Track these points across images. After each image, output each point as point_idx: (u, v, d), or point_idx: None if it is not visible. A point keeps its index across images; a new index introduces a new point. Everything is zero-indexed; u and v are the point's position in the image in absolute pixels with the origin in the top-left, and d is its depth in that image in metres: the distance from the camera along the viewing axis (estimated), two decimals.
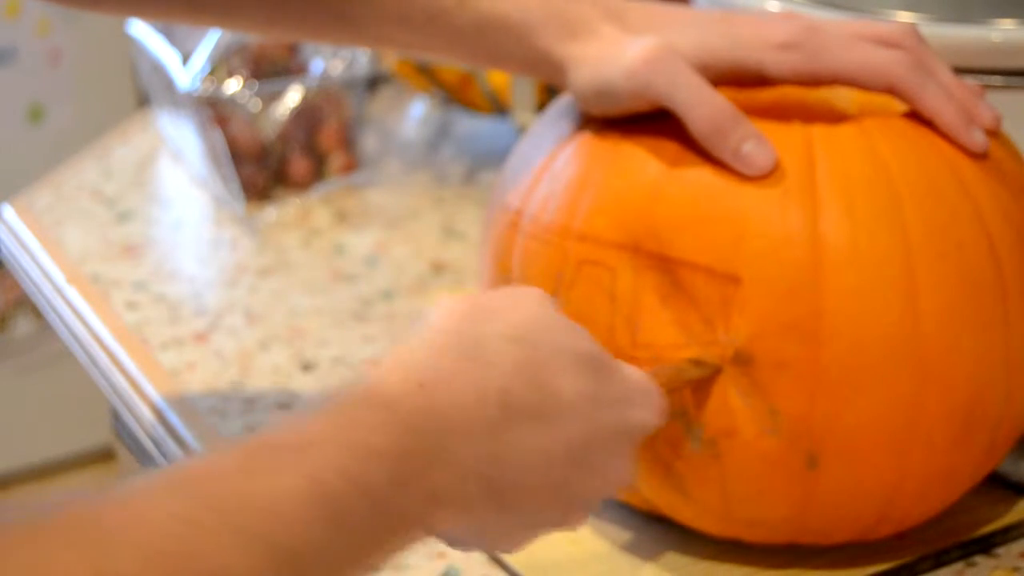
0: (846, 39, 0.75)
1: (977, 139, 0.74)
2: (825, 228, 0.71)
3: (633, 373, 0.67)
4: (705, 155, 0.74)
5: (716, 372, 0.72)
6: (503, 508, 0.61)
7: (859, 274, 0.70)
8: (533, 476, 0.62)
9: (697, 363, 0.72)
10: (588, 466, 0.64)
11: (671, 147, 0.75)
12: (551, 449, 0.62)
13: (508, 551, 0.64)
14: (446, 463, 0.58)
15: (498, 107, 1.26)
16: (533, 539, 0.65)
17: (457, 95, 1.28)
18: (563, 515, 0.64)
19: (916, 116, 0.75)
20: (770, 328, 0.71)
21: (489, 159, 1.29)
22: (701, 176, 0.73)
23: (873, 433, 0.72)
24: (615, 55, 0.76)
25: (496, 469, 0.60)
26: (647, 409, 0.67)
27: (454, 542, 0.63)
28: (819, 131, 0.74)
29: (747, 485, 0.74)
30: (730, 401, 0.72)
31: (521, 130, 1.18)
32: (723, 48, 0.76)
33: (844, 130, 0.74)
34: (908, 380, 0.71)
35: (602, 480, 0.65)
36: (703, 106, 0.74)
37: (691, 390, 0.73)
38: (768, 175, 0.72)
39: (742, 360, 0.72)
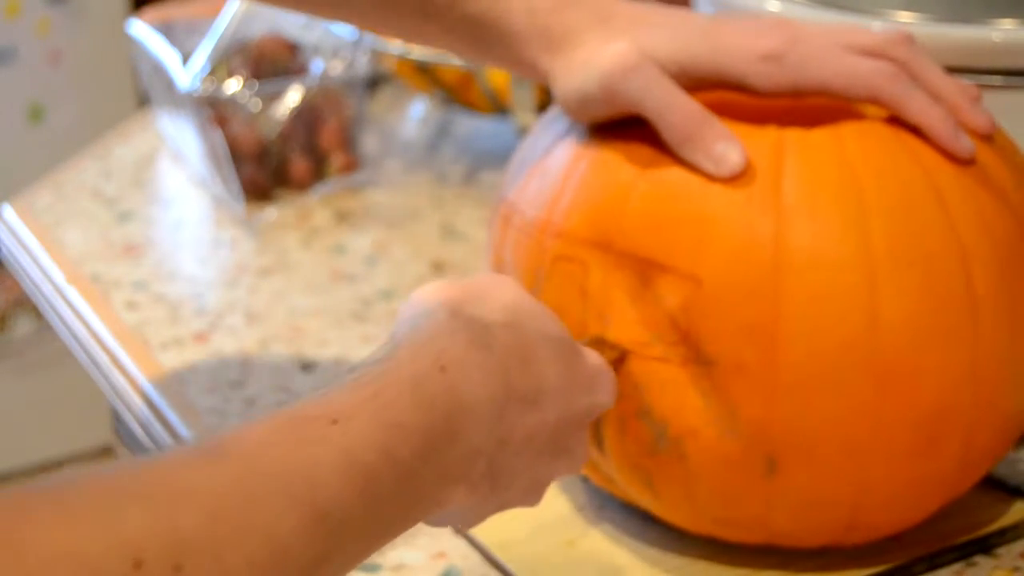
0: (830, 50, 0.75)
1: (964, 145, 0.74)
2: (787, 233, 0.71)
3: (592, 357, 0.69)
4: (678, 157, 0.74)
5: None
6: (494, 488, 0.64)
7: (818, 280, 0.70)
8: (522, 458, 0.65)
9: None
10: (560, 448, 0.67)
11: (648, 148, 0.75)
12: (539, 432, 0.65)
13: (467, 528, 0.68)
14: (461, 442, 0.61)
15: (498, 107, 1.26)
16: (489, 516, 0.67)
17: (457, 95, 1.28)
18: (528, 495, 0.67)
19: (901, 121, 0.75)
20: (729, 330, 0.71)
21: (489, 159, 1.30)
22: (670, 177, 0.74)
23: (832, 440, 0.71)
24: (590, 63, 0.76)
25: (499, 450, 0.63)
26: (606, 392, 0.69)
27: (435, 521, 0.65)
28: (792, 135, 0.74)
29: (710, 485, 0.74)
30: (693, 401, 0.73)
31: (521, 130, 1.19)
32: (705, 56, 0.76)
33: (817, 135, 0.74)
34: (866, 388, 0.70)
35: (567, 462, 0.68)
36: (673, 110, 0.74)
37: (657, 389, 0.73)
38: (738, 177, 0.72)
39: (703, 361, 0.72)
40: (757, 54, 0.75)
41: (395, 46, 1.26)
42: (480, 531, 0.80)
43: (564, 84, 0.78)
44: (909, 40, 0.76)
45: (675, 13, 0.78)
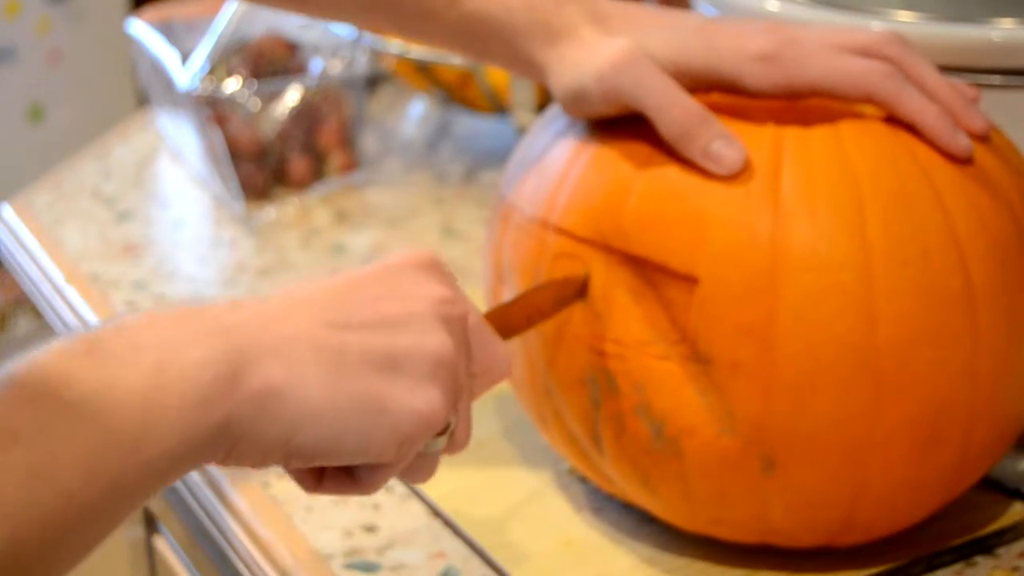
0: (824, 50, 0.75)
1: (961, 143, 0.73)
2: (784, 231, 0.71)
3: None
4: (676, 155, 0.74)
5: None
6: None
7: (814, 279, 0.70)
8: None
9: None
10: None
11: (646, 146, 0.75)
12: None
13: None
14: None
15: (498, 107, 1.26)
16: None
17: (457, 95, 1.28)
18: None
19: (899, 121, 0.75)
20: (726, 329, 0.71)
21: (489, 159, 1.30)
22: (668, 175, 0.74)
23: (829, 439, 0.71)
24: (589, 59, 0.77)
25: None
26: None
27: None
28: (791, 134, 0.74)
29: (707, 484, 0.74)
30: (690, 399, 0.72)
31: (521, 130, 1.18)
32: (700, 56, 0.76)
33: (816, 133, 0.74)
34: (864, 387, 0.70)
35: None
36: (671, 108, 0.74)
37: (655, 386, 0.73)
38: (736, 175, 0.72)
39: (701, 359, 0.72)
40: (751, 54, 0.75)
41: (395, 46, 1.26)
42: (479, 531, 0.80)
43: (562, 79, 0.78)
44: (902, 40, 0.77)
45: (672, 14, 0.79)
